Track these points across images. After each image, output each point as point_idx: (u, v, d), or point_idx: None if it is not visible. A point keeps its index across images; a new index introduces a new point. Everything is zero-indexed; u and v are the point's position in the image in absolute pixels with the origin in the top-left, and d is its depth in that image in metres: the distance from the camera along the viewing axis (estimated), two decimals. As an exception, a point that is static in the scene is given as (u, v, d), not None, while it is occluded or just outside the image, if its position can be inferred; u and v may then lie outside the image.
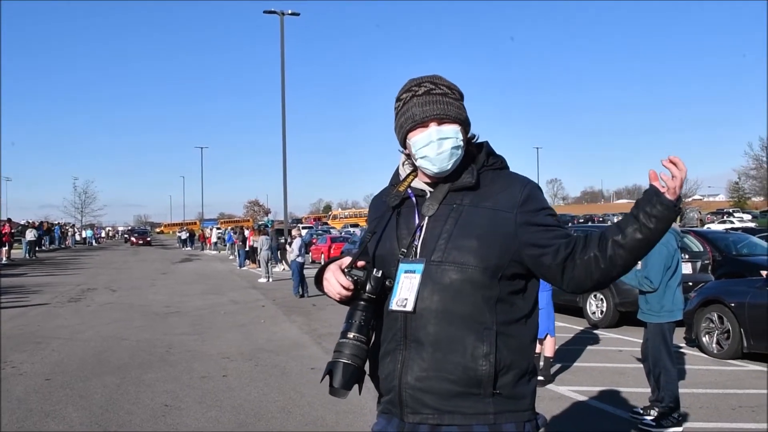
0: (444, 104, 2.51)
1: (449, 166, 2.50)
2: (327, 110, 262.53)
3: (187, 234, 71.52)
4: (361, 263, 2.53)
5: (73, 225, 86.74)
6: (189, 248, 66.34)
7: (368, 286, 2.47)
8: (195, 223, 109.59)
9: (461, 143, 2.51)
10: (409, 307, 2.41)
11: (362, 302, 2.48)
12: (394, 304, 2.45)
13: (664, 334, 6.97)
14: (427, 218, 2.53)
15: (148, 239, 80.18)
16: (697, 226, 50.61)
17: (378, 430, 2.57)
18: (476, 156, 2.60)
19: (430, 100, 2.50)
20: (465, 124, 2.56)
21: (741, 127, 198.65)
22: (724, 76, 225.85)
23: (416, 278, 2.43)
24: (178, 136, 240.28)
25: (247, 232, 36.92)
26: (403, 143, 2.60)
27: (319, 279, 2.60)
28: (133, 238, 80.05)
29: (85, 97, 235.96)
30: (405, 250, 2.52)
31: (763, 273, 10.35)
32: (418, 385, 2.41)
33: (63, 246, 66.34)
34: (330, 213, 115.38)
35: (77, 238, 77.35)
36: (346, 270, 2.50)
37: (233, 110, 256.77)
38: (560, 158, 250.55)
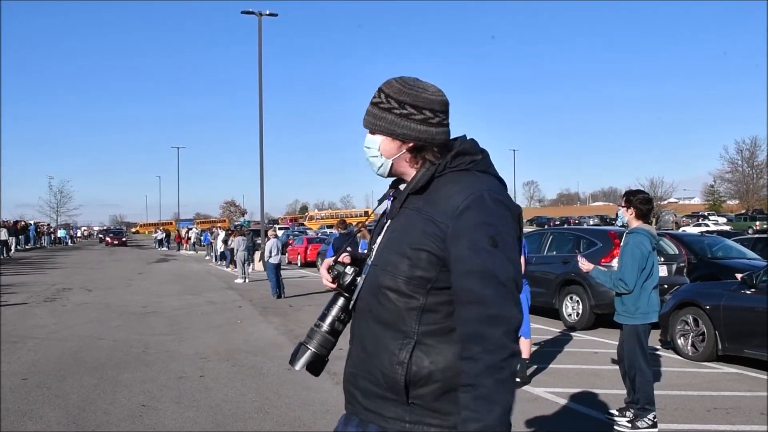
0: (370, 115, 2.51)
1: (378, 172, 2.55)
2: (305, 111, 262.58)
3: (164, 234, 71.13)
4: (347, 259, 2.65)
5: (48, 224, 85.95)
6: (165, 248, 66.01)
7: (343, 282, 2.60)
8: (171, 224, 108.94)
9: (377, 153, 2.51)
10: (350, 306, 2.58)
11: (340, 296, 2.63)
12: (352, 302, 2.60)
13: (639, 335, 7.01)
14: (389, 221, 2.56)
15: (124, 239, 78.68)
16: (672, 229, 51.08)
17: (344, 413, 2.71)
18: (442, 158, 2.52)
19: (367, 109, 2.53)
20: (393, 135, 2.48)
21: (716, 131, 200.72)
22: (700, 78, 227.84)
23: (363, 279, 2.54)
24: (155, 136, 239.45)
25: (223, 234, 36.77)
26: None
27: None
28: (107, 238, 78.50)
29: (61, 95, 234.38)
30: (369, 251, 2.62)
31: (738, 276, 10.43)
32: (351, 380, 2.54)
33: (38, 245, 65.77)
34: (306, 214, 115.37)
35: (52, 237, 76.63)
36: (332, 264, 2.64)
37: (210, 110, 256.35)
38: (537, 161, 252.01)
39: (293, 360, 2.62)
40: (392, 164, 2.53)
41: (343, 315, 2.62)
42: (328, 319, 2.61)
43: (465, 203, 2.31)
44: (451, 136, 2.53)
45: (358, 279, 2.57)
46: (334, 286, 2.62)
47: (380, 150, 2.52)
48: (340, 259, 2.65)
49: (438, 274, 2.34)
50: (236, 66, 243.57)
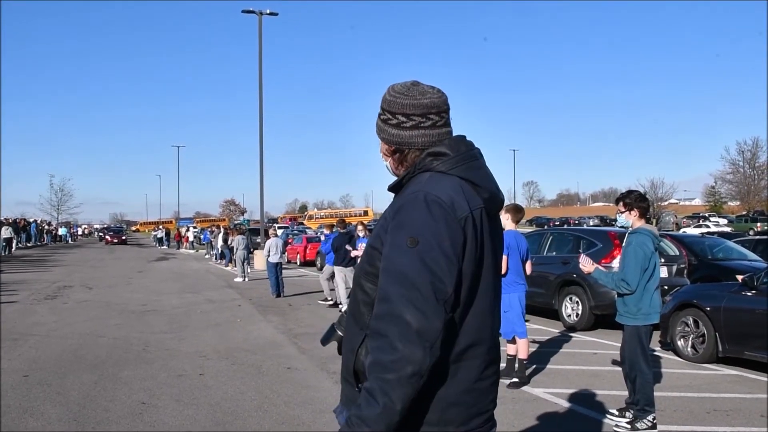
0: (376, 124, 2.65)
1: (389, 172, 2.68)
2: (305, 111, 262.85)
3: (164, 232, 71.13)
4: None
5: (50, 222, 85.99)
6: (165, 247, 66.01)
7: None
8: (171, 222, 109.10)
9: (383, 158, 2.67)
10: None
11: None
12: None
13: (640, 336, 7.01)
14: None
15: (123, 238, 78.49)
16: (672, 230, 51.09)
17: None
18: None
19: None
20: (381, 139, 2.64)
21: (718, 131, 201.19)
22: (701, 79, 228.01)
23: None
24: (155, 135, 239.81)
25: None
26: None
27: None
28: (107, 237, 78.15)
29: (62, 94, 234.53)
30: None
31: (739, 277, 10.44)
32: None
33: (39, 243, 65.77)
34: (306, 213, 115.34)
35: (53, 235, 76.48)
36: None
37: (211, 110, 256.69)
38: (537, 161, 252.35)
39: (323, 340, 2.77)
40: (391, 165, 2.65)
41: None
42: None
43: (401, 203, 2.39)
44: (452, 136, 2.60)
45: None
46: None
47: (381, 152, 2.67)
48: None
49: None
50: (236, 65, 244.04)
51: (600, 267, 7.42)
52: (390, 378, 2.17)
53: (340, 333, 2.69)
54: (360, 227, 16.93)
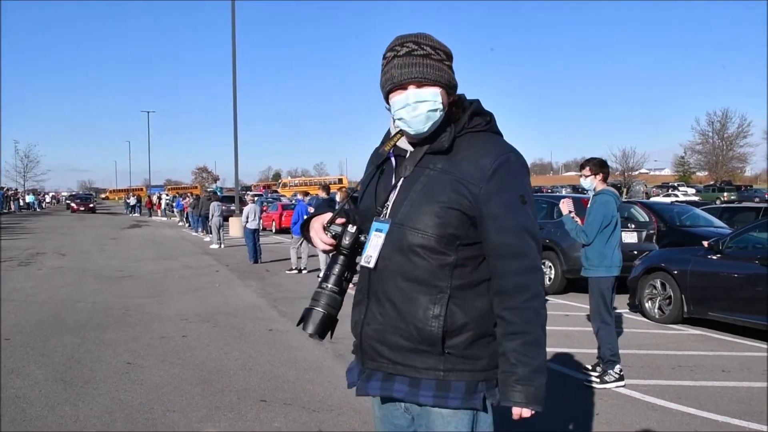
0: (423, 66, 2.47)
1: (425, 129, 2.49)
2: (279, 77, 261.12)
3: (135, 200, 70.59)
4: (340, 220, 2.65)
5: (17, 190, 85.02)
6: (137, 214, 65.63)
7: (344, 241, 2.62)
8: (141, 190, 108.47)
9: (439, 106, 2.47)
10: (372, 264, 2.55)
11: (341, 255, 2.64)
12: (362, 260, 2.60)
13: (601, 289, 7.42)
14: (402, 179, 2.59)
15: (91, 205, 74.78)
16: (642, 198, 51.65)
17: (350, 367, 2.80)
18: (460, 117, 2.57)
19: (410, 62, 2.47)
20: (447, 87, 2.52)
21: (688, 103, 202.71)
22: (671, 51, 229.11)
23: (382, 237, 2.53)
24: (124, 100, 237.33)
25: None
26: (387, 101, 2.59)
27: (306, 231, 2.76)
28: (73, 204, 74.47)
29: (27, 59, 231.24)
30: (380, 209, 2.61)
31: (705, 243, 10.76)
32: (375, 336, 2.56)
33: (6, 211, 65.04)
34: (280, 181, 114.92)
35: (21, 203, 75.32)
36: (326, 225, 2.64)
37: (183, 75, 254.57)
38: (510, 130, 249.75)
39: (304, 324, 2.60)
40: (439, 118, 2.53)
41: (347, 273, 2.64)
42: (333, 279, 2.61)
43: (495, 165, 2.46)
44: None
45: (362, 237, 2.62)
46: (330, 246, 2.63)
47: (439, 101, 2.50)
48: (335, 221, 2.64)
49: (467, 231, 2.47)
50: (210, 29, 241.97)
51: (572, 215, 7.74)
52: (545, 321, 2.48)
53: (323, 311, 2.58)
54: (339, 194, 16.94)
